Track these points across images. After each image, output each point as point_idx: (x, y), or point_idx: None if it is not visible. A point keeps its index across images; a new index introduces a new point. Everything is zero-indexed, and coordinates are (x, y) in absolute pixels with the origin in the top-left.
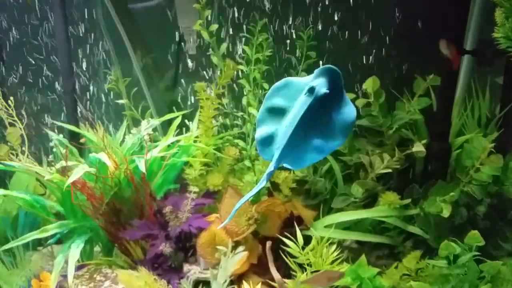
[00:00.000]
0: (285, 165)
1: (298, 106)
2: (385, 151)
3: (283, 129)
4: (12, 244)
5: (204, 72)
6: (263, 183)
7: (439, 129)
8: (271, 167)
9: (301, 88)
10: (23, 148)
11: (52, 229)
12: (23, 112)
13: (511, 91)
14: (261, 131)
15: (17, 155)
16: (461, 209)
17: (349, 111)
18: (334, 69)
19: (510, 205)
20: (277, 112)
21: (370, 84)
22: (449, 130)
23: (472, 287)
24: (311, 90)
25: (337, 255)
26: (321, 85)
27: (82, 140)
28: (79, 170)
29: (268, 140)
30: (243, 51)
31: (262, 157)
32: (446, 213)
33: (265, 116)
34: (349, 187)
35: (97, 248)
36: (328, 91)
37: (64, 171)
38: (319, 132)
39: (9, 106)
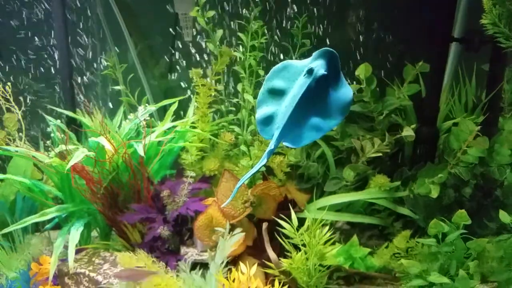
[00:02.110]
0: (285, 143)
1: (297, 87)
2: (376, 136)
3: (282, 109)
4: (12, 228)
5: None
6: (263, 161)
7: (428, 114)
8: (271, 146)
9: (300, 70)
10: (20, 134)
11: (51, 212)
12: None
13: (497, 77)
14: (261, 112)
15: (14, 140)
16: (448, 190)
17: (346, 91)
18: (332, 51)
19: (495, 185)
20: (277, 93)
21: (362, 71)
22: (437, 115)
23: (459, 264)
24: (310, 71)
25: (330, 236)
26: (319, 67)
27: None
28: (79, 154)
29: (268, 120)
30: (239, 38)
31: (262, 136)
32: (434, 194)
33: (265, 97)
34: (341, 171)
35: (94, 234)
36: (326, 72)
37: (63, 156)
38: (318, 112)
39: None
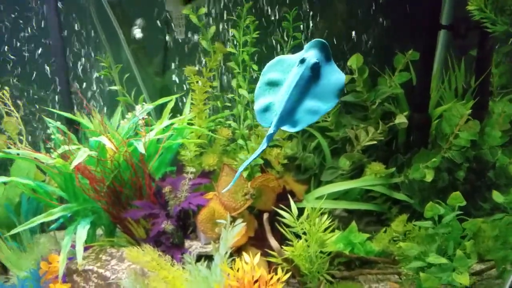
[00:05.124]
0: (284, 128)
1: (291, 76)
2: (370, 125)
3: (279, 97)
4: (20, 228)
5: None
6: (264, 146)
7: (419, 101)
8: (271, 130)
9: (293, 62)
10: (21, 137)
11: (57, 212)
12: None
13: (485, 62)
14: (260, 103)
15: (14, 143)
16: (443, 173)
17: (338, 76)
18: (323, 41)
19: (488, 167)
20: (273, 85)
21: (354, 61)
22: (428, 102)
23: (456, 244)
24: (302, 61)
25: (329, 223)
26: (311, 56)
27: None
28: (82, 154)
29: (266, 109)
30: (231, 34)
31: (261, 124)
32: (429, 178)
33: (262, 90)
34: (336, 161)
35: (98, 232)
36: (317, 61)
37: (65, 156)
38: (313, 97)
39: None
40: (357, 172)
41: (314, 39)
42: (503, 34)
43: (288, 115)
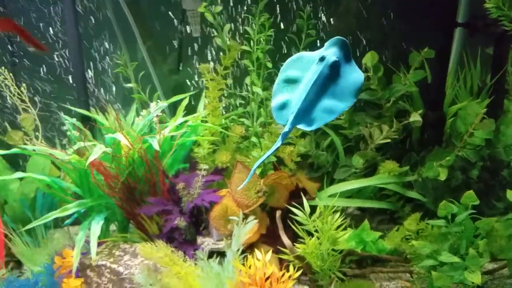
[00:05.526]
0: (300, 127)
1: (310, 74)
2: (384, 123)
3: (297, 95)
4: (35, 223)
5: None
6: (278, 143)
7: (434, 99)
8: (286, 128)
9: (313, 60)
10: (37, 133)
11: (72, 208)
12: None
13: (501, 60)
14: (277, 100)
15: (31, 140)
16: (456, 172)
17: (357, 76)
18: (343, 39)
19: (502, 166)
20: (291, 82)
21: (369, 59)
22: (443, 100)
23: (469, 243)
24: (322, 59)
25: (341, 221)
26: (331, 54)
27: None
28: (98, 150)
29: (283, 107)
30: (246, 31)
31: (277, 122)
32: (443, 177)
33: (280, 87)
34: (350, 159)
35: (112, 228)
36: (337, 59)
37: (81, 152)
38: (330, 96)
39: (22, 92)
40: (370, 170)
41: (335, 37)
42: None
43: (304, 114)
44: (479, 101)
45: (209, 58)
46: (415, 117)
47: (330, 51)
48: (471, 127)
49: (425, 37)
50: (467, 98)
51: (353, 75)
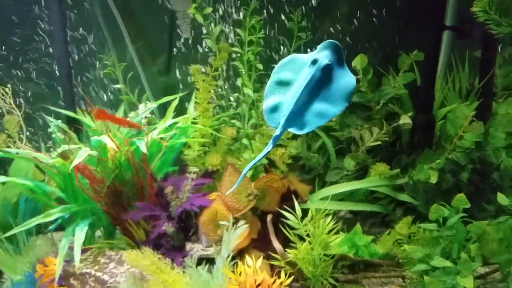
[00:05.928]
0: (291, 130)
1: (302, 77)
2: (374, 125)
3: (288, 98)
4: (17, 230)
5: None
6: (269, 147)
7: (424, 102)
8: (277, 132)
9: (306, 62)
10: (21, 135)
11: (55, 213)
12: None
13: (489, 63)
14: (268, 102)
15: (15, 142)
16: (447, 175)
17: (349, 79)
18: (335, 43)
19: (492, 169)
20: (283, 84)
21: (358, 62)
22: (433, 103)
23: (461, 247)
24: (314, 62)
25: (333, 225)
26: (323, 57)
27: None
28: (83, 153)
29: (274, 109)
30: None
31: (268, 124)
32: (434, 180)
33: (272, 89)
34: (341, 161)
35: (97, 234)
36: (330, 62)
37: (65, 156)
38: (322, 99)
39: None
40: (361, 173)
41: (328, 40)
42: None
43: (296, 117)
44: (468, 104)
45: (199, 59)
46: (405, 120)
47: (322, 54)
48: (460, 129)
49: (414, 40)
50: (456, 100)
51: (345, 79)
